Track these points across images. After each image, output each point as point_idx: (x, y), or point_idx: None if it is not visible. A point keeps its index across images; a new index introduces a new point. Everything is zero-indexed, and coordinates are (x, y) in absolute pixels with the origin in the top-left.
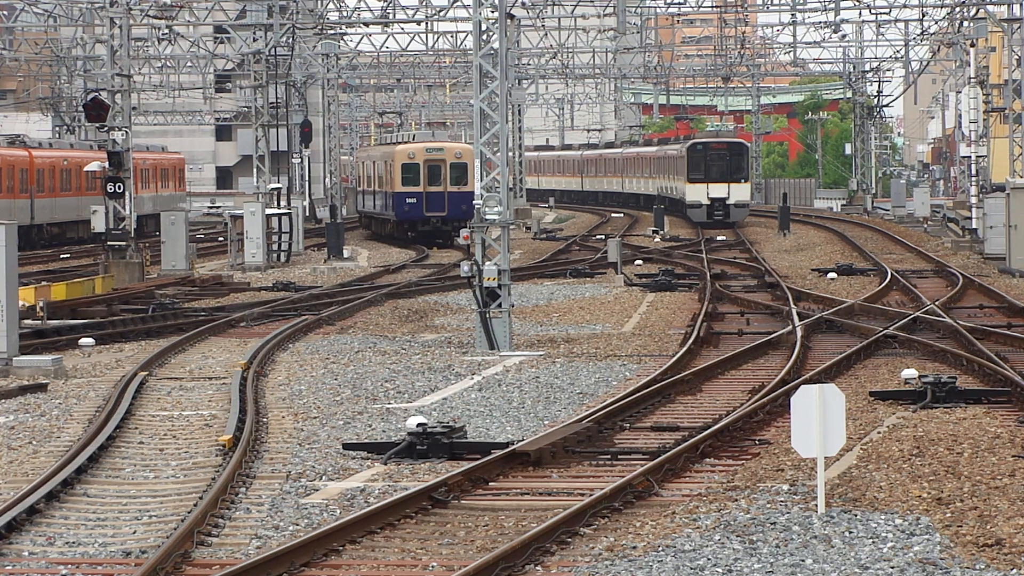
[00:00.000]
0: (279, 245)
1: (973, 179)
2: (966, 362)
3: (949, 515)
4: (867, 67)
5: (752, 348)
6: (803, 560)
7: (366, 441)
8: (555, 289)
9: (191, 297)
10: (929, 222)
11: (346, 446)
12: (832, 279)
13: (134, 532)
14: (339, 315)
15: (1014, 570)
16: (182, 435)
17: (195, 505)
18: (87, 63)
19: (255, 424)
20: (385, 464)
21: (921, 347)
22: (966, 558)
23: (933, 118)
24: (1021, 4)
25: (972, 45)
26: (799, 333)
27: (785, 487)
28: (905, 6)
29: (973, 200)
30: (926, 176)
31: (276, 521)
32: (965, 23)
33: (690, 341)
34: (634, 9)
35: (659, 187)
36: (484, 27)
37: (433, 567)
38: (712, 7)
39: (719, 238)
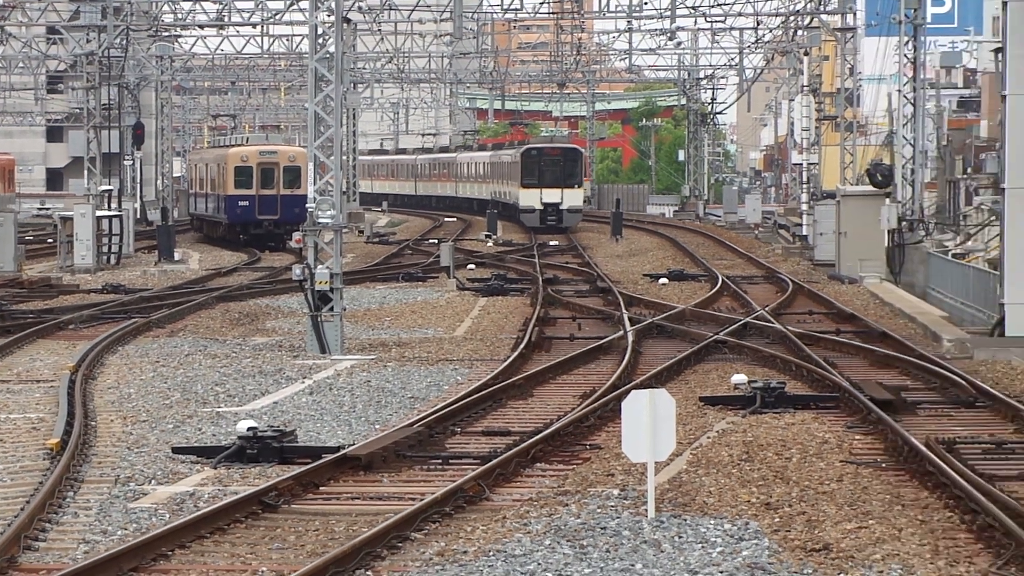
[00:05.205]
0: (109, 247)
1: (804, 186)
2: (795, 367)
3: (778, 520)
4: (701, 74)
5: (584, 353)
6: (633, 565)
7: (196, 445)
8: (387, 293)
9: (19, 299)
10: (760, 228)
11: (175, 450)
12: (664, 284)
13: None
14: (169, 318)
15: (841, 574)
16: (8, 438)
17: (22, 509)
18: None
19: (83, 427)
20: (215, 468)
21: (751, 352)
22: (794, 563)
23: (766, 125)
24: (854, 14)
25: (806, 54)
26: (630, 338)
27: (615, 492)
28: (740, 15)
29: (804, 207)
30: (758, 183)
31: (104, 526)
32: (799, 32)
33: (522, 346)
34: (470, 14)
35: (493, 192)
36: (320, 31)
37: (263, 572)
38: (549, 13)
39: (552, 243)
